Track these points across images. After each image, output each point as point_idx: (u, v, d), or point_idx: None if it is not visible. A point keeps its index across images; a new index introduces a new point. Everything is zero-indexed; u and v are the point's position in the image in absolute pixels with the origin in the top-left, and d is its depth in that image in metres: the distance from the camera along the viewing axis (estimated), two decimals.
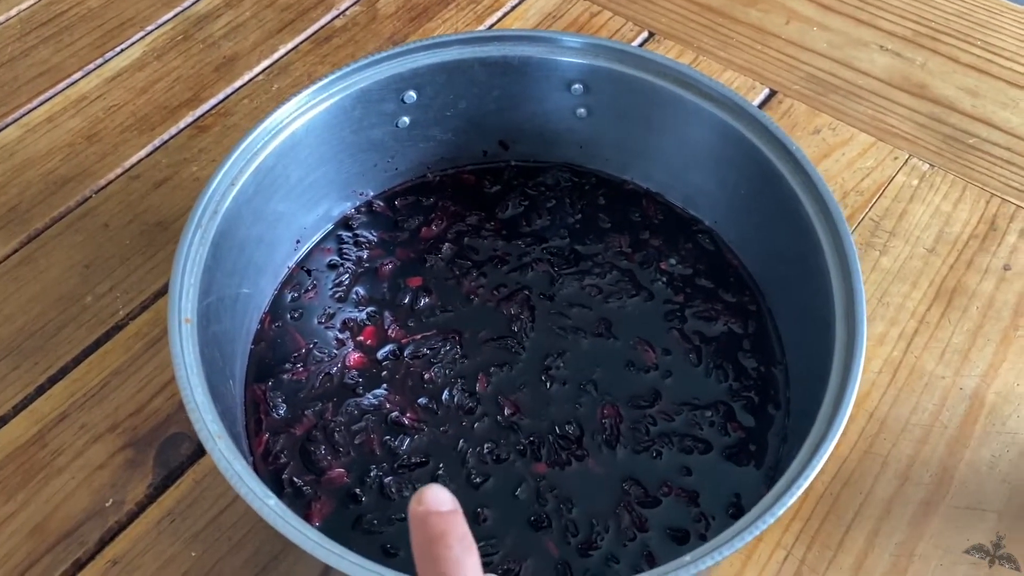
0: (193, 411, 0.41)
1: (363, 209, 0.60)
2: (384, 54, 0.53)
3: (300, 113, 0.52)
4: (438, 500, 0.31)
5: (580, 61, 0.55)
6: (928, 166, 0.68)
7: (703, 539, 0.47)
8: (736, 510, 0.48)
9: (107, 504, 0.53)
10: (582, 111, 0.58)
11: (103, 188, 0.68)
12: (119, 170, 0.69)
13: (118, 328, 0.60)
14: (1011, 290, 0.61)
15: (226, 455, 0.39)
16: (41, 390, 0.58)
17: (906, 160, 0.68)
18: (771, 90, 0.72)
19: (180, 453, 0.55)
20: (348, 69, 0.53)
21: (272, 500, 0.39)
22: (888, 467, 0.54)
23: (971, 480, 0.54)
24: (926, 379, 0.58)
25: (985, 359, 0.58)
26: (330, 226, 0.59)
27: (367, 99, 0.54)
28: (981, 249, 0.63)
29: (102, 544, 0.52)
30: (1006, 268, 0.62)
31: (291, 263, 0.57)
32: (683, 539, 0.48)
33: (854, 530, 0.52)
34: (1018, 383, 0.57)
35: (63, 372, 0.58)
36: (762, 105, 0.72)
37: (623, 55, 0.54)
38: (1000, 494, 0.53)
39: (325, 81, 0.52)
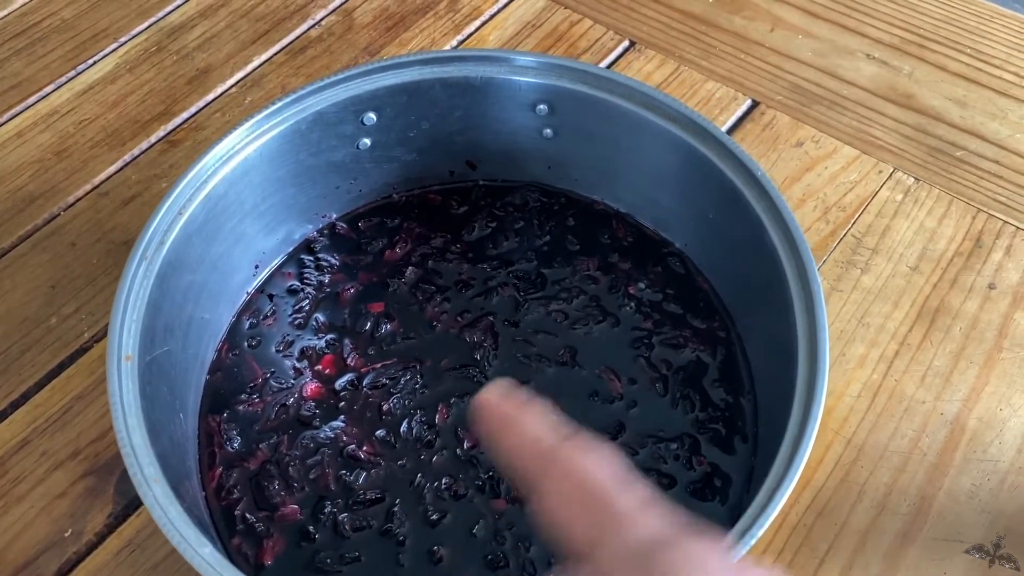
0: (128, 455, 0.40)
1: (326, 232, 0.58)
2: (340, 75, 0.52)
3: (252, 138, 0.51)
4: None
5: (542, 81, 0.53)
6: (913, 180, 0.66)
7: None
8: None
9: (66, 534, 0.52)
10: (548, 132, 0.56)
11: (71, 205, 0.67)
12: (88, 187, 0.68)
13: (83, 351, 0.59)
14: (996, 310, 0.60)
15: (160, 501, 0.38)
16: (2, 416, 0.57)
17: (890, 174, 0.66)
18: (754, 101, 0.71)
19: None
20: (302, 92, 0.51)
21: (207, 549, 0.38)
22: (865, 496, 0.53)
23: (949, 511, 0.52)
24: (906, 404, 0.56)
25: (967, 383, 0.57)
26: (291, 249, 0.58)
27: (324, 122, 0.53)
28: (966, 267, 0.61)
29: None
30: (991, 287, 0.60)
31: (250, 289, 0.56)
32: None
33: (828, 563, 0.51)
34: (1001, 408, 0.56)
35: (25, 397, 0.57)
36: (744, 117, 0.70)
37: (586, 76, 0.52)
38: (979, 525, 0.52)
39: (277, 105, 0.51)
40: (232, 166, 0.50)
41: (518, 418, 0.30)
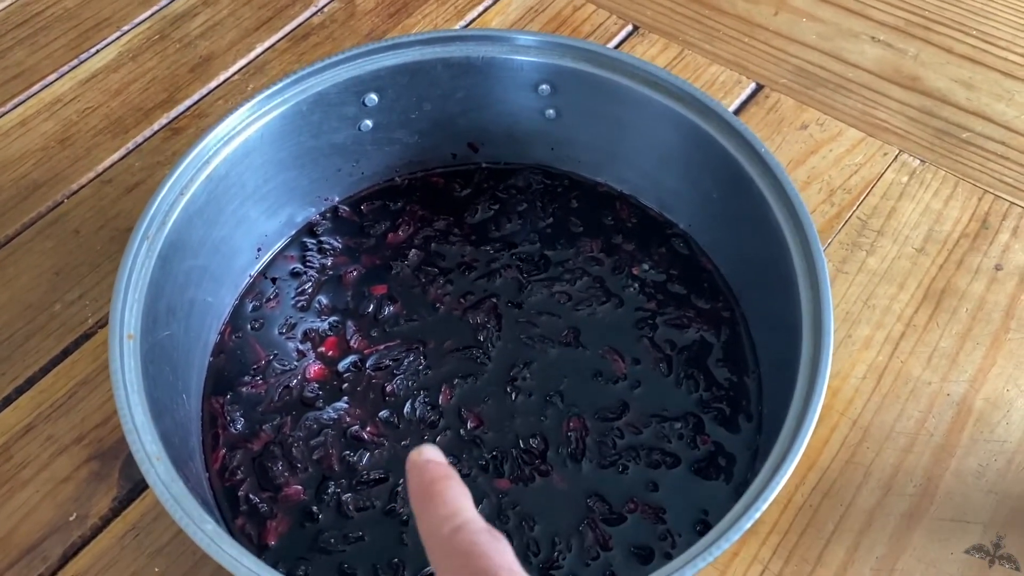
0: (130, 432, 0.40)
1: (328, 215, 0.58)
2: (341, 56, 0.52)
3: (254, 119, 0.50)
4: (438, 454, 0.32)
5: (544, 61, 0.53)
6: (919, 162, 0.65)
7: (668, 558, 0.46)
8: (704, 527, 0.47)
9: (71, 518, 0.52)
10: (551, 112, 0.56)
11: (75, 193, 0.67)
12: (91, 174, 0.68)
13: (87, 336, 0.59)
14: (1002, 291, 0.59)
15: (162, 478, 0.38)
16: (7, 401, 0.57)
17: (896, 156, 0.66)
18: (758, 84, 0.70)
19: None
20: (303, 72, 0.51)
21: (209, 525, 0.38)
22: (871, 477, 0.52)
23: (956, 491, 0.52)
24: (912, 385, 0.56)
25: (974, 363, 0.56)
26: (293, 232, 0.58)
27: (325, 103, 0.52)
28: (972, 248, 0.61)
29: (65, 559, 0.51)
30: (998, 268, 0.60)
31: (252, 272, 0.56)
32: (648, 558, 0.46)
33: (834, 543, 0.50)
34: (1007, 388, 0.55)
35: (30, 383, 0.57)
36: (748, 100, 0.69)
37: (588, 54, 0.52)
38: (986, 505, 0.51)
39: (279, 86, 0.50)
40: (233, 147, 0.50)
41: (438, 490, 0.30)
